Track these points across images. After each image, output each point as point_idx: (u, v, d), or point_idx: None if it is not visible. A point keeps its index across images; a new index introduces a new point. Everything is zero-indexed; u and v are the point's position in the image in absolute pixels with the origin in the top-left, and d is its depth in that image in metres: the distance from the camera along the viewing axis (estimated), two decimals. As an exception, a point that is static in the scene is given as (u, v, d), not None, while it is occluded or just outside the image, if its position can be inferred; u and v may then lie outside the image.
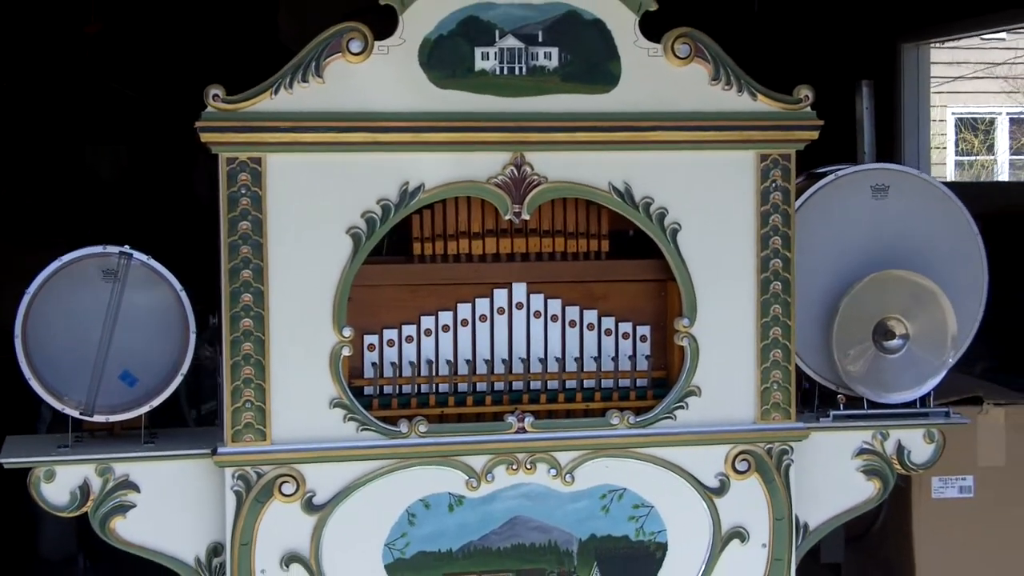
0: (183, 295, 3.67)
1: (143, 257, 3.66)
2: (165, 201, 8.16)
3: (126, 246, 3.66)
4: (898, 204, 4.08)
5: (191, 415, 4.08)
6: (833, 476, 4.01)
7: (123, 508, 3.67)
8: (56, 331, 3.64)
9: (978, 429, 4.79)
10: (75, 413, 3.64)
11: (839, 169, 4.09)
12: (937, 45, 11.37)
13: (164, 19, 9.20)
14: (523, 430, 3.75)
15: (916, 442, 4.04)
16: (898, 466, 4.04)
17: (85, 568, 5.82)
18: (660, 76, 3.76)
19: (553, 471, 3.78)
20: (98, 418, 3.65)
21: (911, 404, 4.05)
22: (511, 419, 3.75)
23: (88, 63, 9.11)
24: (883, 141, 5.46)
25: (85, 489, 3.65)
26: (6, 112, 9.00)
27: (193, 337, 3.67)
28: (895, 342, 3.98)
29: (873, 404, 4.03)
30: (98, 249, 3.65)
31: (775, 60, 8.66)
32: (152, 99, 8.75)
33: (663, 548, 3.86)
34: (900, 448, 4.03)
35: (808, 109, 3.83)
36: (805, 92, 3.83)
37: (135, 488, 3.67)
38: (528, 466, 3.76)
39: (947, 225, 4.13)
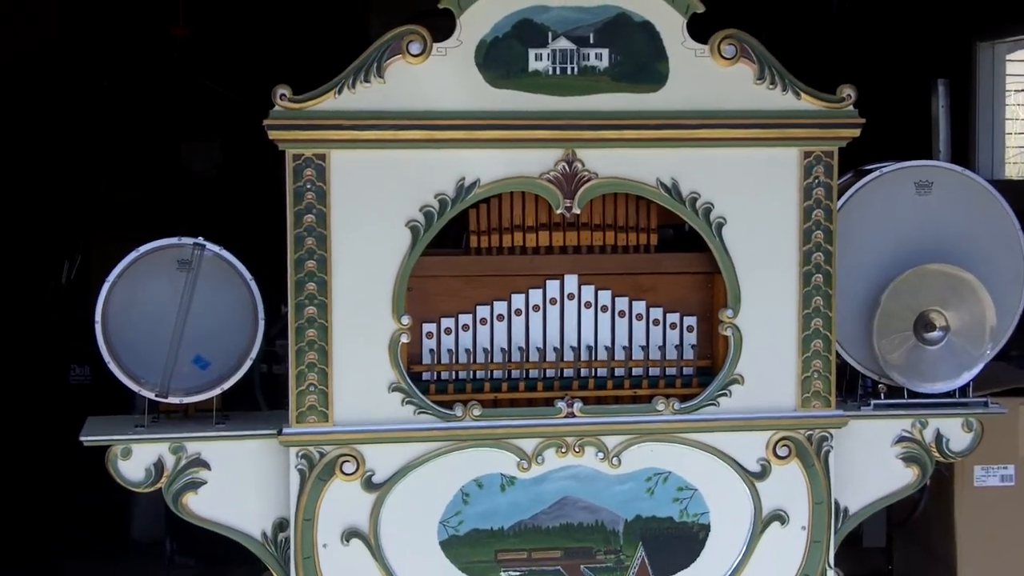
0: (253, 285, 3.82)
1: (216, 248, 3.82)
2: (255, 195, 8.34)
3: (200, 238, 3.82)
4: (941, 200, 4.13)
5: (260, 371, 4.26)
6: (873, 462, 4.10)
7: (195, 484, 3.84)
8: (134, 318, 3.80)
9: (1020, 419, 4.85)
10: (151, 395, 3.81)
11: (884, 166, 4.15)
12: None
13: (257, 20, 9.43)
14: (572, 415, 3.87)
15: (954, 431, 4.13)
16: (936, 454, 4.13)
17: (172, 551, 5.99)
18: (707, 76, 3.85)
19: (601, 454, 3.91)
20: (172, 400, 3.81)
21: (951, 394, 4.12)
22: (561, 404, 3.87)
23: (181, 63, 9.34)
24: (958, 140, 5.52)
25: (159, 466, 3.82)
26: (107, 111, 9.27)
27: (262, 325, 3.82)
28: (935, 334, 4.06)
29: (913, 394, 4.10)
30: (173, 240, 3.82)
31: (853, 59, 8.75)
32: (245, 98, 8.95)
33: (706, 529, 3.98)
34: (939, 436, 4.12)
35: (851, 108, 3.90)
36: (848, 91, 3.89)
37: (206, 466, 3.84)
38: (577, 449, 3.90)
39: (990, 221, 4.18)
